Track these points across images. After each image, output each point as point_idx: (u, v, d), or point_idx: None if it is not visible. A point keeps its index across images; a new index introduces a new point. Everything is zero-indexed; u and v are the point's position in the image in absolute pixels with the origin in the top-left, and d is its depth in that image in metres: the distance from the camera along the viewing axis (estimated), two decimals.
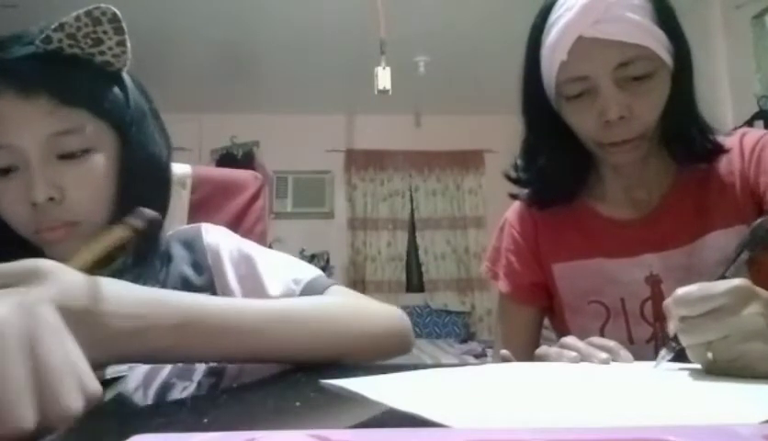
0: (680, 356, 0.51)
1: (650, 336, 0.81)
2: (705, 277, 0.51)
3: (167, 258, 0.71)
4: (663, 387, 0.46)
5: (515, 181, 0.90)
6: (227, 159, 4.72)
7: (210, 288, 0.69)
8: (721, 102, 2.98)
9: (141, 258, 0.66)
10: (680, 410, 0.37)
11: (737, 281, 0.47)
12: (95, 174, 0.63)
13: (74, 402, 0.31)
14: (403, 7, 3.17)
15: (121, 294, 0.42)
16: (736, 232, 0.75)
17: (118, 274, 0.56)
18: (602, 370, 0.56)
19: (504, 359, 0.70)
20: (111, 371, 0.55)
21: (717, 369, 0.47)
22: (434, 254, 5.04)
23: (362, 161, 5.07)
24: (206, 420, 0.37)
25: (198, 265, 0.71)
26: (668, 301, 0.49)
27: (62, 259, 0.41)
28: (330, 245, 4.85)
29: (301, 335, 0.55)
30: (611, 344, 0.61)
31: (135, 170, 0.66)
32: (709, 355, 0.46)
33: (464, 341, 4.53)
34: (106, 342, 0.39)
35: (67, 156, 0.61)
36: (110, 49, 0.63)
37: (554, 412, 0.36)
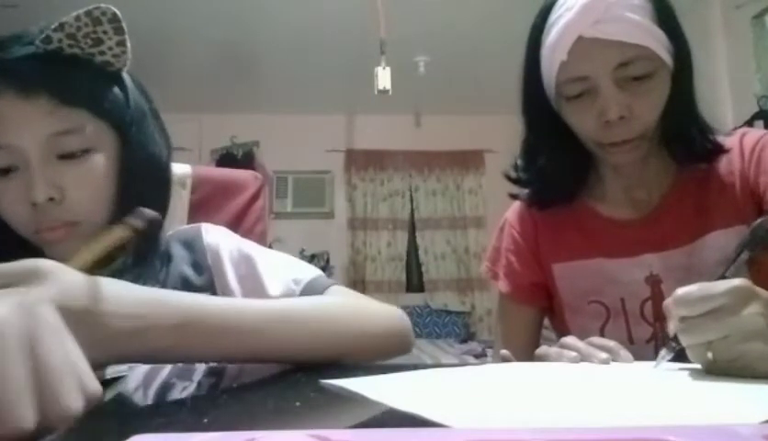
0: (680, 356, 0.51)
1: (650, 336, 0.81)
2: (705, 276, 0.51)
3: (167, 258, 0.71)
4: (663, 387, 0.46)
5: (515, 181, 0.90)
6: (227, 159, 4.73)
7: (210, 288, 0.69)
8: (721, 102, 2.98)
9: (141, 258, 0.66)
10: (680, 410, 0.37)
11: (737, 281, 0.47)
12: (94, 174, 0.63)
13: (74, 402, 0.31)
14: (403, 7, 3.17)
15: (121, 294, 0.42)
16: (736, 232, 0.75)
17: (118, 274, 0.56)
18: (602, 370, 0.56)
19: (504, 359, 0.70)
20: (111, 371, 0.55)
21: (717, 369, 0.47)
22: (434, 254, 5.04)
23: (362, 161, 5.07)
24: (206, 420, 0.37)
25: (198, 265, 0.71)
26: (668, 301, 0.49)
27: (61, 259, 0.41)
28: (330, 245, 4.85)
29: (301, 335, 0.55)
30: (611, 344, 0.61)
31: (135, 170, 0.66)
32: (709, 355, 0.46)
33: (464, 341, 4.53)
34: (105, 342, 0.39)
35: (67, 156, 0.61)
36: (110, 49, 0.63)
37: (554, 412, 0.36)
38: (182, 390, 0.60)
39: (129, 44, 0.64)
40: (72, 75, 0.61)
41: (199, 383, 0.62)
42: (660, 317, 0.79)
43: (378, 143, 5.05)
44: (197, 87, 4.32)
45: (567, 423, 0.33)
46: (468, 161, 5.11)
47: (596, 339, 0.63)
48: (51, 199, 0.60)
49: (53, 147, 0.60)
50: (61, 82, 0.60)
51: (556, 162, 0.84)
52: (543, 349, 0.66)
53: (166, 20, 3.42)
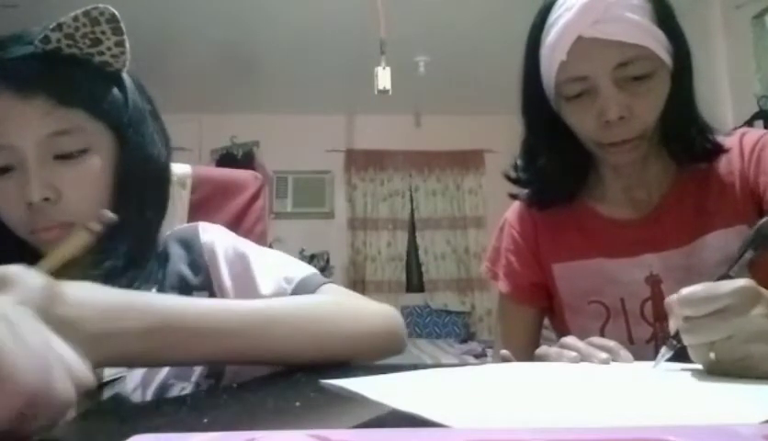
0: (680, 356, 0.51)
1: (650, 336, 0.81)
2: (705, 277, 0.51)
3: (164, 258, 0.71)
4: (663, 387, 0.46)
5: (515, 181, 0.90)
6: (227, 159, 4.73)
7: (208, 287, 0.68)
8: (721, 102, 2.98)
9: (137, 260, 0.65)
10: (680, 410, 0.37)
11: (742, 281, 0.46)
12: (91, 174, 0.62)
13: (66, 392, 0.30)
14: (403, 7, 3.17)
15: (87, 298, 0.42)
16: (736, 232, 0.75)
17: (116, 275, 0.56)
18: (602, 370, 0.56)
19: (504, 359, 0.70)
20: (109, 373, 0.55)
21: (718, 369, 0.47)
22: (434, 254, 5.04)
23: (362, 161, 5.07)
24: (206, 420, 0.37)
25: (195, 265, 0.70)
26: (671, 299, 0.49)
27: None
28: (330, 245, 4.85)
29: (284, 336, 0.54)
30: (611, 344, 0.61)
31: (132, 171, 0.65)
32: (712, 355, 0.46)
33: (464, 341, 4.53)
34: (72, 346, 0.39)
35: (64, 156, 0.61)
36: (109, 49, 0.62)
37: (554, 412, 0.36)
38: (180, 391, 0.60)
39: (127, 45, 0.63)
40: (70, 76, 0.61)
41: (197, 384, 0.61)
42: (660, 317, 0.79)
43: (378, 143, 5.05)
44: (198, 87, 4.31)
45: (567, 423, 0.33)
46: (468, 161, 5.11)
47: (596, 339, 0.63)
48: (47, 199, 0.59)
49: (50, 147, 0.60)
50: (58, 82, 0.60)
51: (556, 162, 0.84)
52: (543, 349, 0.66)
53: (167, 20, 3.42)
